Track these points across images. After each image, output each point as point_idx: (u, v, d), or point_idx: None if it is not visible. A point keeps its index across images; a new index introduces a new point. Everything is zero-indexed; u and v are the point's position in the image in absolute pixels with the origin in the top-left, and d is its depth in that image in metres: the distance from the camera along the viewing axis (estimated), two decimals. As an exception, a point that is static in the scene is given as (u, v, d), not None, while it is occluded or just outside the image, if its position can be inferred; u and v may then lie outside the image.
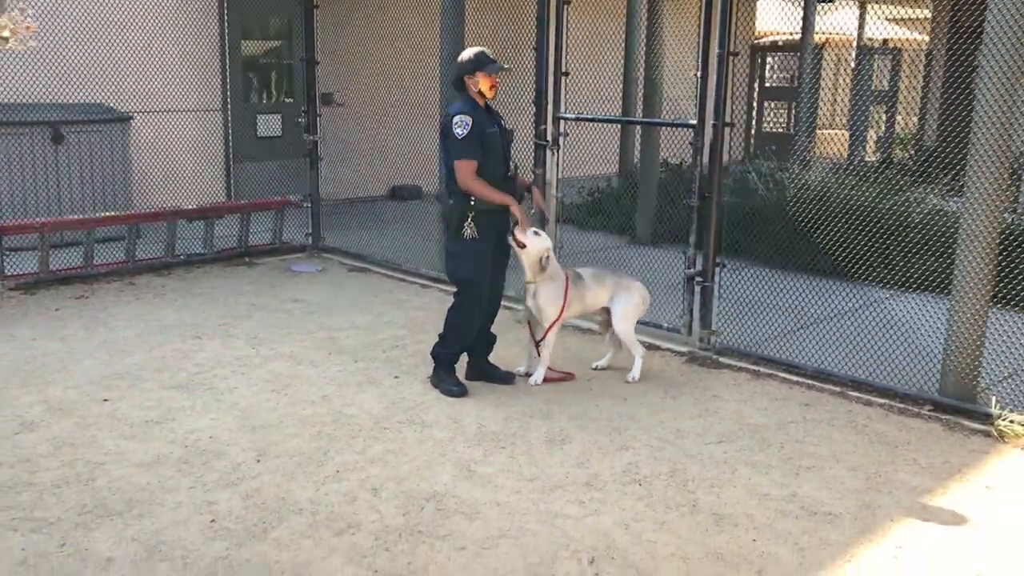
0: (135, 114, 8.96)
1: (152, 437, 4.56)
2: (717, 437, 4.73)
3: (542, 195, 5.57)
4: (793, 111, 15.16)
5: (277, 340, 6.17)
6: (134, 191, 8.94)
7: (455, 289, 5.33)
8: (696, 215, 5.97)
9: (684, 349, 6.10)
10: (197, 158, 10.09)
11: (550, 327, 5.38)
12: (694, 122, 5.88)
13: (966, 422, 4.91)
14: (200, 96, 10.15)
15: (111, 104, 8.98)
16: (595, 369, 5.71)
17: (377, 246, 8.73)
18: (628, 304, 5.51)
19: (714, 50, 5.72)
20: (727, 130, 5.84)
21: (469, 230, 5.10)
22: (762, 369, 5.75)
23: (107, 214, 7.93)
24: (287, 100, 11.08)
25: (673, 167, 10.68)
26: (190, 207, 8.34)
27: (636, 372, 5.52)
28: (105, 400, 5.02)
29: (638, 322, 5.63)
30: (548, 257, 5.30)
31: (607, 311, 5.56)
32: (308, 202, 8.95)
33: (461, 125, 5.02)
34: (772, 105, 15.82)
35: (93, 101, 8.96)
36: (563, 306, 5.35)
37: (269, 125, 10.92)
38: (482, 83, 5.11)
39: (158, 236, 8.14)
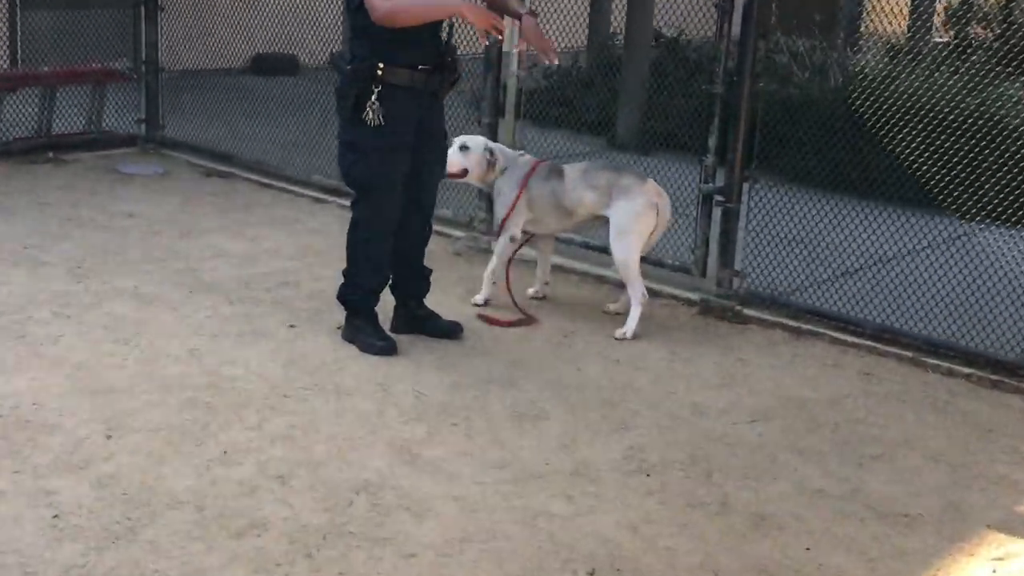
0: None
1: (-51, 402, 4.66)
2: (749, 415, 5.05)
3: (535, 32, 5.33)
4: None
5: (112, 271, 6.27)
6: None
7: (352, 198, 5.47)
8: (719, 108, 6.22)
9: (695, 296, 6.40)
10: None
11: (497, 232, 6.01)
12: (722, -29, 6.13)
13: (1082, 400, 5.34)
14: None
15: None
16: (606, 313, 6.10)
17: (245, 141, 8.81)
18: (628, 214, 5.72)
19: None
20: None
21: (372, 112, 5.15)
22: (805, 325, 6.08)
23: None
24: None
25: (668, 41, 10.92)
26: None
27: (632, 326, 5.79)
28: None
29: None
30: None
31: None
32: (140, 73, 8.96)
33: None
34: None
35: None
36: (511, 206, 5.84)
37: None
38: None
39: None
